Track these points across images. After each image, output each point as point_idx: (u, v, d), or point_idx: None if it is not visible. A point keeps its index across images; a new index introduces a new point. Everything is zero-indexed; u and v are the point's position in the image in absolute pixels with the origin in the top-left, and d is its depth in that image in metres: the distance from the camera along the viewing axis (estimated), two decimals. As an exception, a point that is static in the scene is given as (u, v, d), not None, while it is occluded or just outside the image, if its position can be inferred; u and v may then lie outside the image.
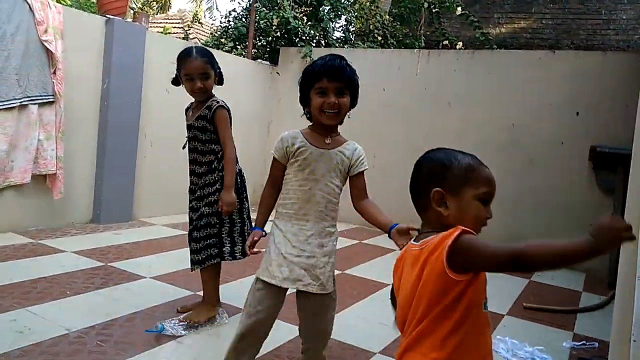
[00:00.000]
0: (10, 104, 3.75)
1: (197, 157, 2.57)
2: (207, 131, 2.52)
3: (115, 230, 4.32)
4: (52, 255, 3.43)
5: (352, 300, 3.21)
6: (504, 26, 10.30)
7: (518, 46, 9.68)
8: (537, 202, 4.99)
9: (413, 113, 5.66)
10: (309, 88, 1.77)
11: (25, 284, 2.83)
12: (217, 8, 7.23)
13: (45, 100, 3.95)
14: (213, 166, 2.55)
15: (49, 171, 4.03)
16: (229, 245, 2.55)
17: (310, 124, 1.87)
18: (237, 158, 2.55)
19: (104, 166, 4.49)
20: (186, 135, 2.63)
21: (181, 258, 3.71)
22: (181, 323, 2.43)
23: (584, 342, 2.87)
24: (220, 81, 2.63)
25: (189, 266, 2.60)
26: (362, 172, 1.88)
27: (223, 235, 2.54)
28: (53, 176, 4.07)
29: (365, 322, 2.88)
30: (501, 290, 3.85)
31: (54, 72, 3.98)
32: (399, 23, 7.96)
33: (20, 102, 3.81)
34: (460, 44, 7.64)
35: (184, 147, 2.66)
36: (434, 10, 7.76)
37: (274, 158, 1.85)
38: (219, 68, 2.60)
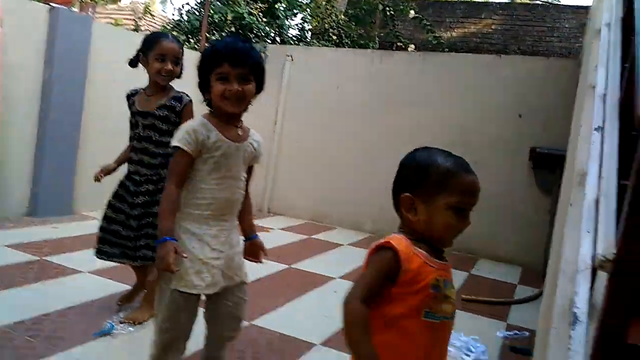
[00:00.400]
0: (-61, 90, 3.56)
1: (150, 147, 2.44)
2: (169, 123, 2.41)
3: (53, 224, 4.16)
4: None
5: (296, 293, 3.24)
6: (455, 30, 10.60)
7: (468, 50, 9.97)
8: (480, 202, 5.15)
9: (366, 112, 5.74)
10: (208, 73, 1.60)
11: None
12: (170, 1, 7.07)
13: (-22, 88, 3.78)
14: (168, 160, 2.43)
15: (-18, 162, 3.86)
16: None
17: (210, 111, 1.69)
18: None
19: (42, 158, 4.32)
20: (138, 122, 2.49)
21: (123, 253, 3.62)
22: (126, 322, 2.38)
23: (516, 331, 3.01)
24: (180, 74, 2.55)
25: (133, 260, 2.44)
26: (257, 162, 1.83)
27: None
28: (-13, 168, 3.89)
29: (308, 315, 2.91)
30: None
31: (-10, 59, 3.81)
32: (354, 23, 8.06)
33: (-49, 89, 3.63)
34: (413, 46, 7.83)
35: (133, 137, 2.52)
36: (388, 13, 7.90)
37: (183, 151, 1.58)
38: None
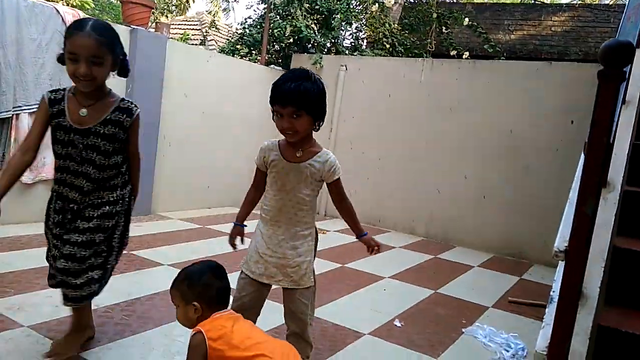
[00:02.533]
0: (44, 106, 4.13)
1: (90, 170, 1.99)
2: (117, 141, 2.02)
3: (136, 223, 4.70)
4: (80, 244, 3.81)
5: (349, 290, 3.53)
6: (514, 33, 10.50)
7: (527, 53, 9.87)
8: (531, 207, 5.25)
9: (416, 118, 5.95)
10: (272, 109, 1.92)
11: (59, 267, 3.21)
12: (233, 9, 7.55)
13: (75, 104, 4.33)
14: (113, 183, 2.08)
15: (77, 168, 4.40)
16: (109, 277, 2.18)
17: None
18: None
19: (126, 164, 4.87)
20: (73, 141, 1.97)
21: (195, 249, 4.08)
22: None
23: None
24: (123, 71, 2.06)
25: (64, 301, 2.07)
26: (336, 180, 2.03)
27: (108, 267, 2.15)
28: (81, 172, 4.44)
29: (359, 309, 3.19)
30: (491, 285, 4.14)
31: (84, 78, 4.36)
32: (407, 32, 8.23)
33: (53, 105, 4.19)
34: (467, 53, 7.88)
35: (66, 157, 2.01)
36: (442, 21, 8.02)
37: (256, 166, 2.04)
38: (124, 54, 2.03)
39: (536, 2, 11.33)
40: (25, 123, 4.00)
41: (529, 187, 5.28)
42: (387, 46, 7.47)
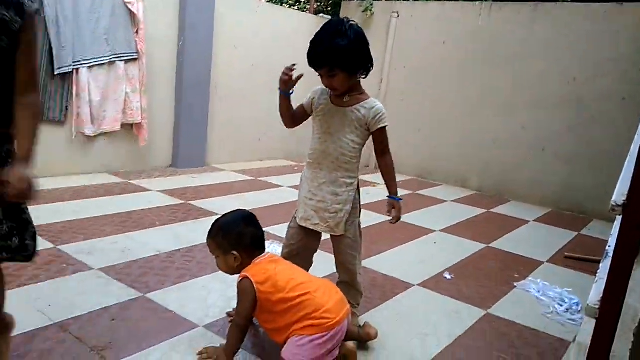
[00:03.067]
0: (102, 60, 4.27)
1: None
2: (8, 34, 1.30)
3: (191, 174, 4.87)
4: (140, 193, 4.01)
5: (399, 242, 3.55)
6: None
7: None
8: (594, 159, 4.99)
9: (472, 66, 5.69)
10: None
11: (122, 215, 3.40)
12: None
13: (130, 57, 4.45)
14: None
15: (135, 121, 4.58)
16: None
17: None
18: None
19: (180, 117, 5.00)
20: None
21: (248, 199, 4.19)
22: None
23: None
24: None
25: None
26: (381, 128, 2.01)
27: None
28: (139, 125, 4.62)
29: (408, 261, 3.21)
30: (547, 240, 4.04)
31: (137, 32, 4.45)
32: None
33: (110, 59, 4.32)
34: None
35: None
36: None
37: (302, 104, 2.12)
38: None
39: None
40: (84, 77, 4.15)
41: (592, 138, 5.00)
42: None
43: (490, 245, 3.74)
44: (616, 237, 1.07)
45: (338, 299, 1.78)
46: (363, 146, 2.07)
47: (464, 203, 5.10)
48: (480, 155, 5.73)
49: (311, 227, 2.08)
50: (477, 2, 5.74)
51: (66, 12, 3.96)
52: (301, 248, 2.14)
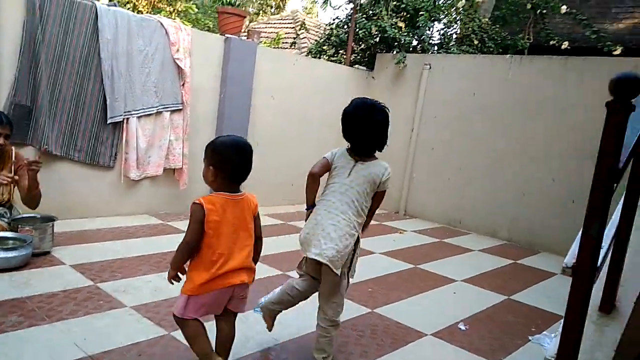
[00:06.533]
0: (150, 110, 4.68)
1: None
2: None
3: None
4: (176, 235, 4.29)
5: (418, 291, 3.64)
6: (622, 22, 9.68)
7: (638, 43, 9.06)
8: None
9: (502, 118, 5.80)
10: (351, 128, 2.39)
11: (158, 255, 3.67)
12: (330, 4, 7.69)
13: (175, 108, 4.85)
14: None
15: (177, 166, 4.94)
16: None
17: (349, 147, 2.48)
18: None
19: (218, 162, 5.33)
20: None
21: (278, 243, 4.39)
22: None
23: None
24: None
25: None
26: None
27: None
28: (180, 170, 4.97)
29: (425, 310, 3.29)
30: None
31: (183, 85, 4.86)
32: (499, 25, 7.95)
33: (157, 110, 4.73)
34: (566, 43, 7.45)
35: None
36: (537, 12, 7.65)
37: (325, 158, 2.49)
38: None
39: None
40: (133, 126, 4.55)
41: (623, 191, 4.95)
42: (476, 42, 7.29)
43: (511, 297, 3.76)
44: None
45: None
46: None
47: (491, 253, 5.12)
48: (510, 205, 5.74)
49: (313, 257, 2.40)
50: (507, 56, 5.89)
51: (120, 67, 4.41)
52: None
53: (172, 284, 2.05)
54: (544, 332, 3.09)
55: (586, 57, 5.33)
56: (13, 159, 3.36)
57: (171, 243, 4.00)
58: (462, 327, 3.06)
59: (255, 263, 2.17)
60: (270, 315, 2.52)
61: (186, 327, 2.02)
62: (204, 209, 1.93)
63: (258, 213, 2.16)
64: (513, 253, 5.18)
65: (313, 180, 2.42)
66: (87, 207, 4.44)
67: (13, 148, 3.39)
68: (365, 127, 2.31)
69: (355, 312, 3.06)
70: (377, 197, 2.38)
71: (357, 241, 2.35)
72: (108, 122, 4.38)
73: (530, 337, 3.02)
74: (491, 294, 3.77)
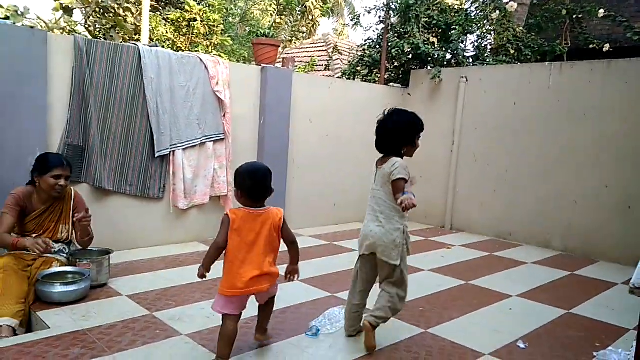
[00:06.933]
0: (194, 142, 4.83)
1: None
2: None
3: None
4: (225, 261, 4.37)
5: (472, 309, 3.53)
6: (665, 18, 9.31)
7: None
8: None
9: (545, 126, 5.65)
10: (414, 136, 2.76)
11: (209, 282, 3.68)
12: (360, 25, 7.79)
13: (218, 138, 4.99)
14: None
15: (222, 193, 5.06)
16: None
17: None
18: None
19: (261, 188, 5.43)
20: None
21: (323, 264, 4.39)
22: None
23: None
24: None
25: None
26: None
27: None
28: (225, 197, 5.09)
29: (481, 329, 3.19)
30: (635, 305, 3.79)
31: (224, 115, 5.01)
32: (535, 33, 7.80)
33: (201, 141, 4.88)
34: (607, 46, 7.23)
35: None
36: (573, 17, 7.49)
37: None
38: None
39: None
40: (179, 158, 4.71)
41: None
42: (512, 51, 7.17)
43: (571, 311, 3.60)
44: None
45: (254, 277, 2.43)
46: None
47: (545, 265, 4.93)
48: (561, 215, 5.54)
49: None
50: (547, 64, 5.77)
51: (165, 103, 4.60)
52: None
53: (201, 279, 2.51)
54: (610, 348, 2.94)
55: (630, 58, 5.15)
56: (72, 199, 3.53)
57: (219, 269, 4.07)
58: (522, 346, 2.95)
59: (296, 264, 2.73)
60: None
61: (222, 323, 2.48)
62: (229, 217, 2.43)
63: (284, 222, 2.57)
64: (569, 264, 4.97)
65: None
66: (139, 238, 4.59)
67: (72, 188, 3.56)
68: (378, 132, 2.78)
69: (408, 333, 3.01)
70: (393, 187, 2.67)
71: (404, 232, 2.74)
72: (156, 156, 4.56)
73: (595, 353, 2.87)
74: (549, 309, 3.62)
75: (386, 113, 2.78)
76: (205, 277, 2.48)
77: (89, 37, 7.12)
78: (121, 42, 5.42)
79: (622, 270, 4.79)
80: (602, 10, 7.20)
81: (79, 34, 6.32)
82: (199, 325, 2.96)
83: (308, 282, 3.86)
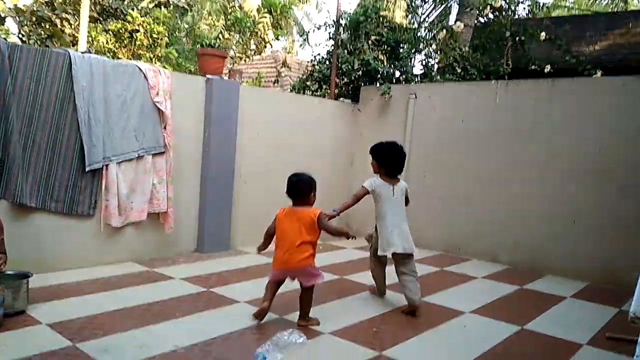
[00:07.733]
0: (130, 155, 4.48)
1: None
2: None
3: (216, 259, 4.89)
4: (163, 282, 4.03)
5: (424, 327, 3.37)
6: (598, 44, 9.86)
7: (615, 63, 9.19)
8: (628, 231, 4.78)
9: (493, 143, 5.71)
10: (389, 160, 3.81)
11: (143, 306, 3.40)
12: (308, 43, 7.74)
13: (157, 152, 4.66)
14: None
15: (161, 210, 4.71)
16: None
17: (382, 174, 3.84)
18: None
19: (205, 204, 5.13)
20: None
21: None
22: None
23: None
24: None
25: None
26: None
27: None
28: (165, 214, 4.74)
29: (435, 349, 3.04)
30: (586, 319, 3.79)
31: (165, 127, 4.69)
32: (480, 53, 8.00)
33: (138, 154, 4.54)
34: (549, 67, 7.51)
35: None
36: (516, 39, 7.75)
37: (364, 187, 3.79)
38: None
39: (618, 12, 10.58)
40: (113, 172, 4.34)
41: (624, 210, 4.82)
42: (459, 70, 7.29)
43: (525, 327, 3.53)
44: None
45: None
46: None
47: (495, 279, 4.90)
48: (509, 229, 5.57)
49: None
50: (493, 81, 5.86)
51: (98, 113, 4.23)
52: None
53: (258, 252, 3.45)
54: (567, 364, 2.86)
55: (573, 78, 5.30)
56: None
57: (156, 291, 3.73)
58: (479, 365, 2.81)
59: (338, 235, 3.48)
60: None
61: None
62: (278, 213, 3.31)
63: (317, 216, 3.17)
64: (517, 278, 4.95)
65: (356, 200, 3.74)
66: (66, 259, 4.16)
67: None
68: (397, 158, 3.81)
69: (361, 357, 2.81)
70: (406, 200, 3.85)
71: None
72: (86, 170, 4.17)
73: (552, 370, 2.78)
74: (504, 325, 3.53)
75: (394, 146, 3.88)
76: (260, 252, 3.48)
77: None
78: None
79: (567, 284, 4.82)
80: (543, 34, 7.48)
81: (5, 39, 5.83)
82: (129, 357, 2.62)
83: (254, 303, 3.59)
